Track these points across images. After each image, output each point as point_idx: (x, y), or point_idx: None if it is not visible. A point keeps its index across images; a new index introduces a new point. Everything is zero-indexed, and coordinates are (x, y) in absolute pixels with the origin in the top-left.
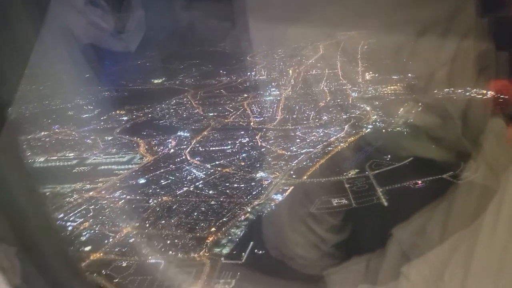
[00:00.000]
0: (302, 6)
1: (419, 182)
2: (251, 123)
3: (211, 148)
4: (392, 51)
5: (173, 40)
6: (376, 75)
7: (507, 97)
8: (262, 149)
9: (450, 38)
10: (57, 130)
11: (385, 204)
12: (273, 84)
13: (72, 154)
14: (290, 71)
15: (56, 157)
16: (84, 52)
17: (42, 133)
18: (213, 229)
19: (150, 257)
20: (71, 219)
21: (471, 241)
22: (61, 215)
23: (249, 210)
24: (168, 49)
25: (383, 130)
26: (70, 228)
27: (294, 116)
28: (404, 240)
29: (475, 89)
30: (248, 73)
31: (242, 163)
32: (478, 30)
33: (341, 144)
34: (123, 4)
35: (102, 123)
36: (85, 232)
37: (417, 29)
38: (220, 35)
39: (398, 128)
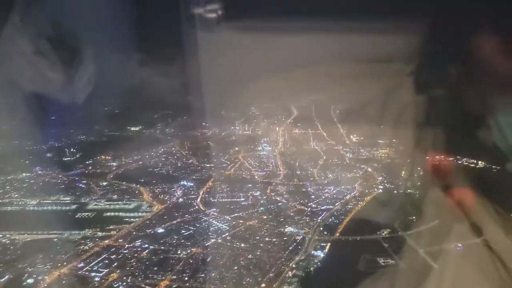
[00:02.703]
0: (253, 71)
1: (459, 245)
2: (255, 177)
3: (223, 200)
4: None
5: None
6: (362, 138)
7: (442, 169)
8: (279, 204)
9: (391, 109)
10: (40, 172)
11: (434, 265)
12: (264, 140)
13: (67, 198)
14: (277, 129)
15: (50, 201)
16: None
17: (24, 174)
18: (263, 285)
19: None
20: (94, 268)
21: None
22: (81, 264)
23: (294, 266)
24: (128, 100)
25: (395, 192)
26: (96, 279)
27: (298, 172)
28: None
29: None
30: (232, 128)
31: (264, 217)
32: (416, 104)
33: (360, 203)
34: (74, 57)
35: (90, 167)
36: (117, 284)
37: (361, 100)
38: (172, 92)
39: (409, 190)
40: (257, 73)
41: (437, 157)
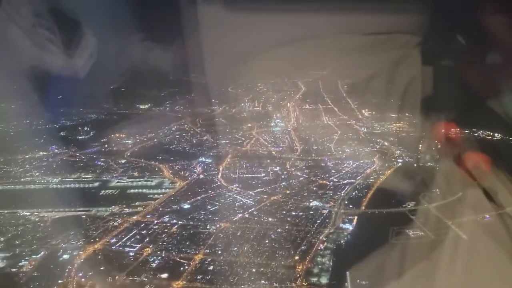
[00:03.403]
0: (255, 45)
1: (487, 216)
2: (273, 152)
3: (244, 175)
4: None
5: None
6: (373, 112)
7: (452, 138)
8: (300, 178)
9: (398, 81)
10: (56, 150)
11: (465, 237)
12: (275, 115)
13: (89, 176)
14: (288, 104)
15: (72, 179)
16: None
17: (41, 152)
18: (296, 257)
19: (243, 286)
20: (127, 244)
21: (430, 275)
22: (114, 240)
23: (324, 239)
24: (132, 78)
25: (415, 165)
26: (131, 253)
27: (314, 147)
28: (363, 279)
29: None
30: (242, 104)
31: (287, 191)
32: (424, 76)
33: (381, 177)
34: (75, 31)
35: (106, 145)
36: (152, 258)
37: (368, 73)
38: (175, 70)
39: (429, 164)
40: (260, 49)
41: (449, 128)
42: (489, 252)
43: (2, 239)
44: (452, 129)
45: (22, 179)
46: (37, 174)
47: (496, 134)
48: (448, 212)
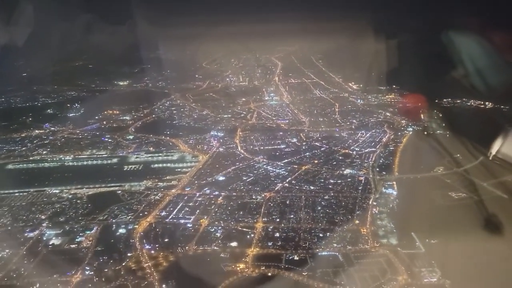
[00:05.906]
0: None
1: None
2: (281, 125)
3: (265, 147)
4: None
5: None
6: (361, 85)
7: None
8: (322, 148)
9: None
10: (52, 128)
11: (505, 196)
12: (265, 90)
13: (103, 153)
14: (276, 79)
15: (86, 156)
16: None
17: (36, 131)
18: (357, 221)
19: (318, 250)
20: (179, 216)
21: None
22: (164, 213)
23: (374, 203)
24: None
25: (425, 133)
26: (189, 225)
27: (321, 119)
28: (431, 238)
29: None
30: (227, 79)
31: (315, 161)
32: (389, 49)
33: (399, 145)
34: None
35: (104, 122)
36: (213, 229)
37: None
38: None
39: (438, 131)
40: (224, 24)
41: (416, 99)
42: None
43: (43, 217)
44: (418, 100)
45: (31, 158)
46: (44, 152)
47: (488, 103)
48: (478, 175)
